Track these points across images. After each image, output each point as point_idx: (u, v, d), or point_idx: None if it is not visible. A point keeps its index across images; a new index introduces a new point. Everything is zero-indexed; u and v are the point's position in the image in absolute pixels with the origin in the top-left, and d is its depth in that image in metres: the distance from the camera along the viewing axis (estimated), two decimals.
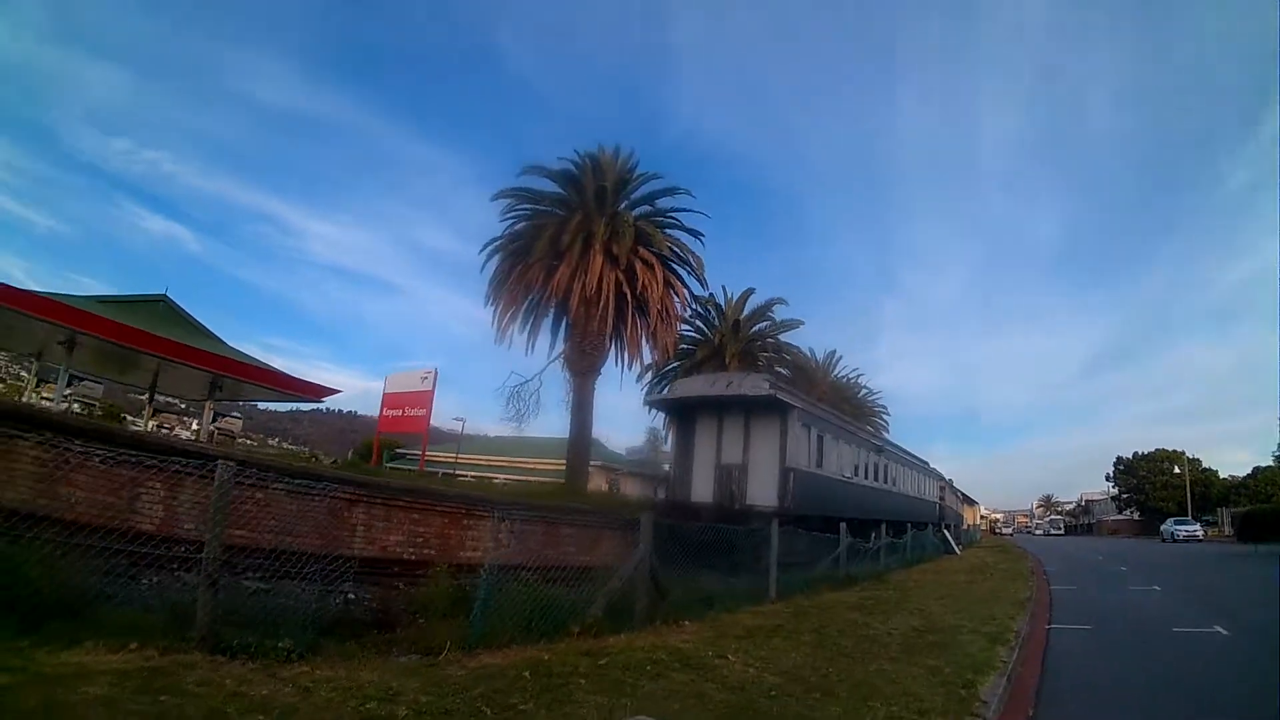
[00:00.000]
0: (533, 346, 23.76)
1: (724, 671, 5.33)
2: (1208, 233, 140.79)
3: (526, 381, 23.26)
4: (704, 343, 28.51)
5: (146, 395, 29.66)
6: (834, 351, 39.11)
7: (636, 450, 40.48)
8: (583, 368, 22.29)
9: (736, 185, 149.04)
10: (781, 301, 30.03)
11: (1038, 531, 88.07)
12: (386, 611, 7.26)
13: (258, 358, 25.03)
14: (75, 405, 35.31)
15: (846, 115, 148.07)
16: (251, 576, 6.72)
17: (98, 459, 7.88)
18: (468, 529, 12.06)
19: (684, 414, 16.58)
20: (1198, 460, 65.60)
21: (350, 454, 41.20)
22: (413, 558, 11.22)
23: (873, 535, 15.53)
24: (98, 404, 40.41)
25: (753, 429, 15.25)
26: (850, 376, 40.33)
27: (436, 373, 22.45)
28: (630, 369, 24.26)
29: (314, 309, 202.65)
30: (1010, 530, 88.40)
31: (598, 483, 34.95)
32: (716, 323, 29.01)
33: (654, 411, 22.19)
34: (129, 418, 34.66)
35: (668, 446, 22.52)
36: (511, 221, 23.55)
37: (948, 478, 38.06)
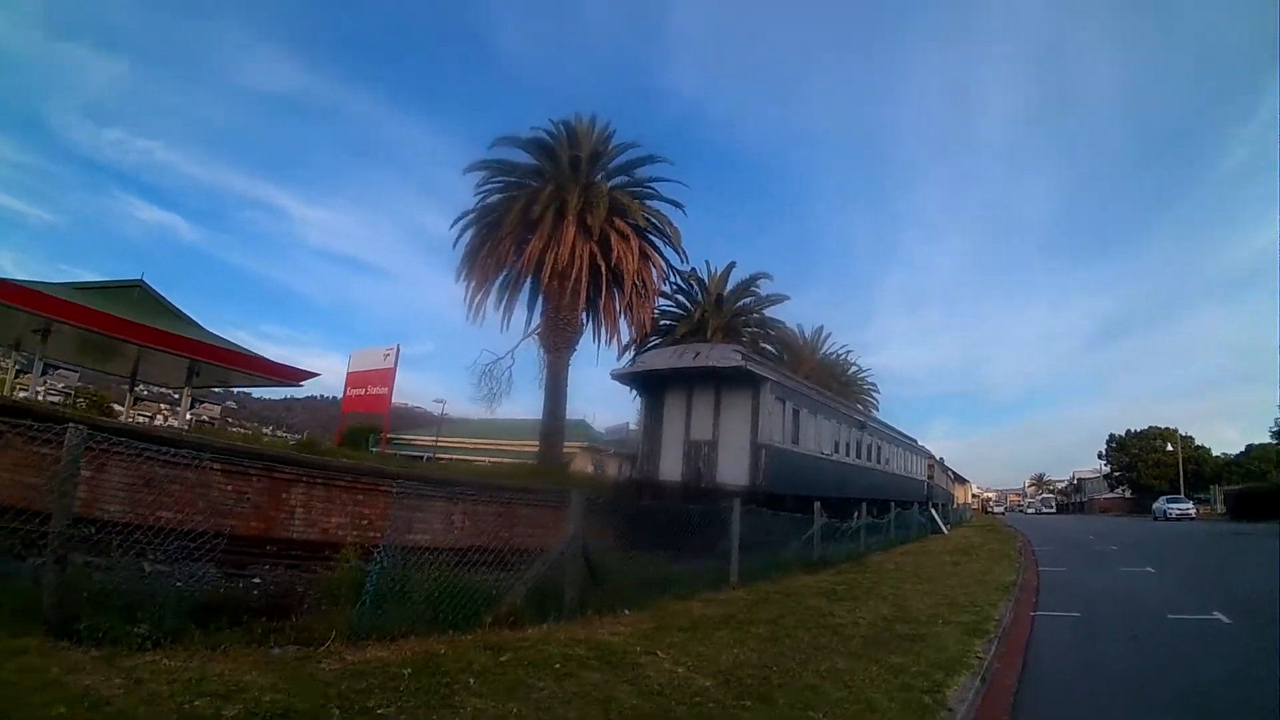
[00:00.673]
0: (508, 324, 22.93)
1: (648, 671, 4.57)
2: (1207, 208, 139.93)
3: (499, 360, 22.44)
4: (685, 318, 27.53)
5: (128, 384, 28.97)
6: (821, 328, 38.26)
7: (616, 430, 39.64)
8: (557, 344, 21.46)
9: (734, 161, 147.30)
10: (766, 276, 29.02)
11: (1029, 510, 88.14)
12: (286, 596, 6.44)
13: (240, 344, 24.66)
14: (51, 396, 34.45)
15: (847, 90, 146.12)
16: (152, 558, 6.00)
17: None
18: (414, 510, 11.27)
19: (652, 388, 15.68)
20: (1190, 438, 65.28)
21: (330, 437, 40.28)
22: (355, 541, 10.48)
23: (854, 515, 14.72)
24: (74, 392, 39.38)
25: (723, 403, 14.33)
26: (839, 354, 39.56)
27: (399, 349, 21.66)
28: (609, 345, 23.42)
29: (309, 294, 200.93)
30: (1002, 509, 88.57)
31: (583, 464, 34.26)
32: (699, 297, 28.02)
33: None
34: (117, 407, 33.62)
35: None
36: (484, 195, 22.56)
37: (938, 456, 37.47)
